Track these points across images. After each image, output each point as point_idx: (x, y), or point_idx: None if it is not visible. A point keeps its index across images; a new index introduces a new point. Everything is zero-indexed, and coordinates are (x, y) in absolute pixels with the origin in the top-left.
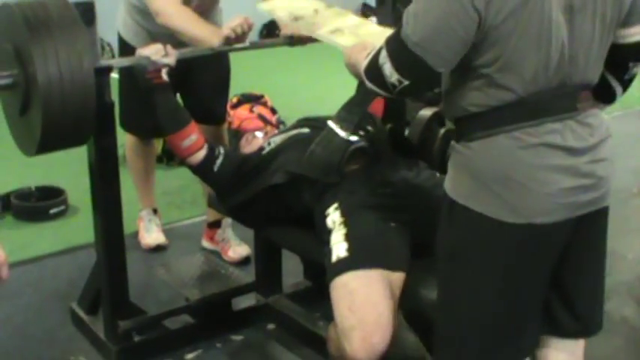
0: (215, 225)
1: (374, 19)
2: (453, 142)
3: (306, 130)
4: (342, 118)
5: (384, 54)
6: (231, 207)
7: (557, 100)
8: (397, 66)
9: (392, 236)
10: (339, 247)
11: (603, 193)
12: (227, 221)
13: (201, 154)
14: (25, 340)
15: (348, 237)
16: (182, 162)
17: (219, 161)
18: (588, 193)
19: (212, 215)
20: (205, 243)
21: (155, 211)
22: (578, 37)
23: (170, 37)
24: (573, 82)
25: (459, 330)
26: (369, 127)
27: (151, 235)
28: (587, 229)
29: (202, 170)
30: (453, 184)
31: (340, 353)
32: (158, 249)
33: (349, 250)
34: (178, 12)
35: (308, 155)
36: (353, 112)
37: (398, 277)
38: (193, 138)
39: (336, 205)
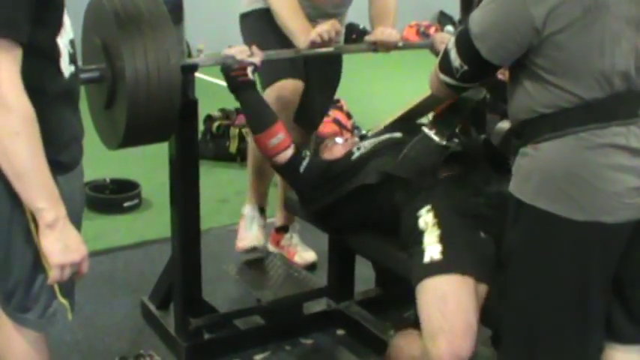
0: (283, 230)
1: (450, 27)
2: (519, 146)
3: (398, 134)
4: (438, 125)
5: (452, 40)
6: (314, 210)
7: (622, 106)
8: (459, 52)
9: (482, 247)
10: (432, 249)
11: None
12: (295, 227)
13: (288, 153)
14: (95, 330)
15: (442, 239)
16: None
17: (305, 162)
18: None
19: (280, 220)
20: (271, 247)
21: (262, 211)
22: None
23: None
24: (638, 90)
25: (526, 329)
26: (463, 138)
27: (250, 234)
28: None
29: (288, 170)
30: (520, 185)
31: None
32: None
33: (443, 253)
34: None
35: (402, 158)
36: (449, 120)
37: (483, 289)
38: (281, 137)
39: (428, 207)
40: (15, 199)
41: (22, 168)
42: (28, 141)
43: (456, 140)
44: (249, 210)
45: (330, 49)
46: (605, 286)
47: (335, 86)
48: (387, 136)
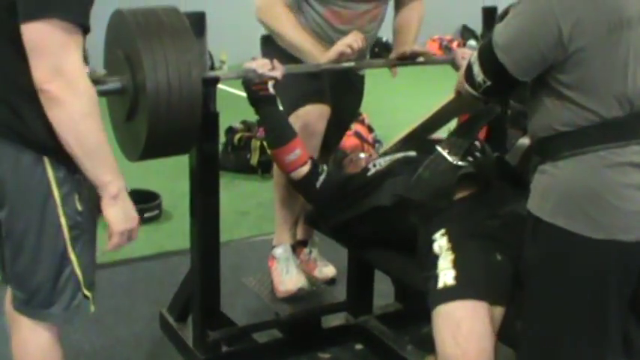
0: (301, 244)
1: (472, 42)
2: (537, 164)
3: (412, 153)
4: (452, 144)
5: (475, 54)
6: (332, 225)
7: None
8: (482, 66)
9: (498, 269)
10: (446, 274)
11: None
12: (314, 241)
13: (305, 169)
14: (113, 341)
15: (455, 264)
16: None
17: (322, 177)
18: None
19: (300, 234)
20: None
21: (294, 249)
22: None
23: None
24: None
25: (544, 346)
26: (478, 154)
27: (292, 277)
28: None
29: (304, 186)
30: (538, 203)
31: None
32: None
33: (457, 278)
34: (282, 14)
35: (416, 179)
36: (463, 137)
37: (499, 312)
38: (298, 152)
39: (443, 231)
40: (49, 191)
41: (92, 146)
42: (96, 121)
43: (470, 159)
44: (281, 251)
45: (352, 63)
46: (623, 304)
47: (355, 111)
48: (401, 154)
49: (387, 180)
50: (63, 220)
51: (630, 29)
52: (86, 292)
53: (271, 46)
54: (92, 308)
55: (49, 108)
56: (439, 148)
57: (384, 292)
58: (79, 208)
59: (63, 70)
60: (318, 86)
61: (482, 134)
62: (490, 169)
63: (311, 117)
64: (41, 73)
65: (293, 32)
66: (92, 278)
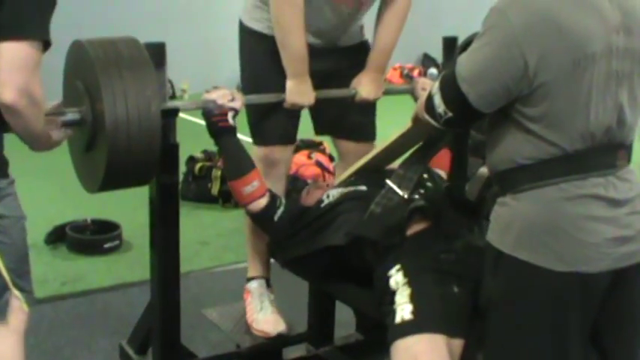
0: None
1: (433, 70)
2: (497, 195)
3: (362, 187)
4: (402, 177)
5: (437, 85)
6: (289, 259)
7: (601, 157)
8: (444, 98)
9: (455, 302)
10: (403, 309)
11: None
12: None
13: (262, 202)
14: None
15: (412, 298)
16: (239, 206)
17: (280, 211)
18: (628, 244)
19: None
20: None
21: (269, 283)
22: (627, 102)
23: None
24: (617, 141)
25: None
26: (429, 184)
27: (266, 316)
28: (628, 284)
29: (262, 219)
30: (499, 235)
31: None
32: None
33: (414, 312)
34: (294, 14)
35: (368, 216)
36: (412, 169)
37: (458, 344)
38: (255, 185)
39: (398, 266)
40: None
41: (37, 136)
42: (42, 119)
43: (422, 190)
44: (256, 286)
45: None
46: (584, 336)
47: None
48: (352, 188)
49: (339, 217)
50: None
51: (594, 64)
52: (15, 293)
53: (246, 44)
54: (25, 307)
55: (9, 116)
56: (389, 182)
57: (345, 322)
58: None
59: (30, 89)
60: (286, 126)
61: (446, 164)
62: (441, 200)
63: (275, 154)
64: (11, 92)
65: (291, 31)
66: (24, 286)
